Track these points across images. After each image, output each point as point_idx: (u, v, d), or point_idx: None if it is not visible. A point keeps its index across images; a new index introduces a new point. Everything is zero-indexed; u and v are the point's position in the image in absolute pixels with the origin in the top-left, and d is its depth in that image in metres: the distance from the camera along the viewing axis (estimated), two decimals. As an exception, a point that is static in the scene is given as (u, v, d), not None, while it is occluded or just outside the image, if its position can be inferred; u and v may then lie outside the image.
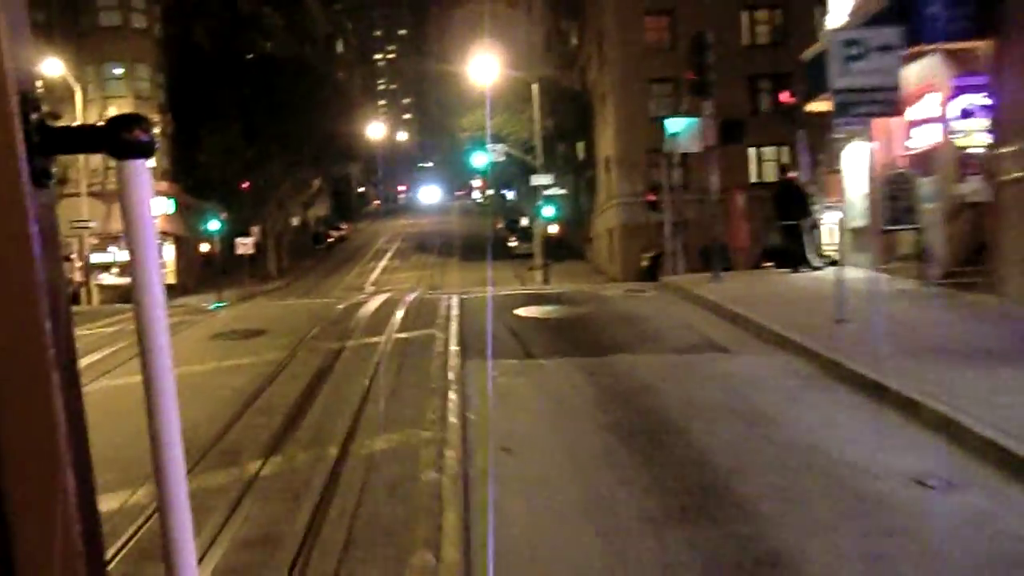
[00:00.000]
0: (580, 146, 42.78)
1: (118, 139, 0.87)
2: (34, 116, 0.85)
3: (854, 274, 11.73)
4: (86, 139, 0.92)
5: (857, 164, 14.72)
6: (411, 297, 16.25)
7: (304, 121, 39.21)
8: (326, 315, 13.98)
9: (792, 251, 15.56)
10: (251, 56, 39.05)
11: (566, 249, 42.33)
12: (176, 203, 34.57)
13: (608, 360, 9.57)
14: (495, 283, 35.91)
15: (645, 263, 32.36)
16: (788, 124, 20.42)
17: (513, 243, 46.85)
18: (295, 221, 43.96)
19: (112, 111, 27.88)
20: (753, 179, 34.90)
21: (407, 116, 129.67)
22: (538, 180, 33.78)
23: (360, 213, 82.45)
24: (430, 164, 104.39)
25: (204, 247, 37.58)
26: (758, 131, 34.17)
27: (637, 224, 34.03)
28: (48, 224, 0.86)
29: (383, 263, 45.85)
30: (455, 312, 12.81)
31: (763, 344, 10.04)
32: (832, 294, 10.38)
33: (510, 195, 63.69)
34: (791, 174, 16.17)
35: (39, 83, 0.95)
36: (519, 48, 55.07)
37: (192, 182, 36.34)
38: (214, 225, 33.67)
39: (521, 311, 13.16)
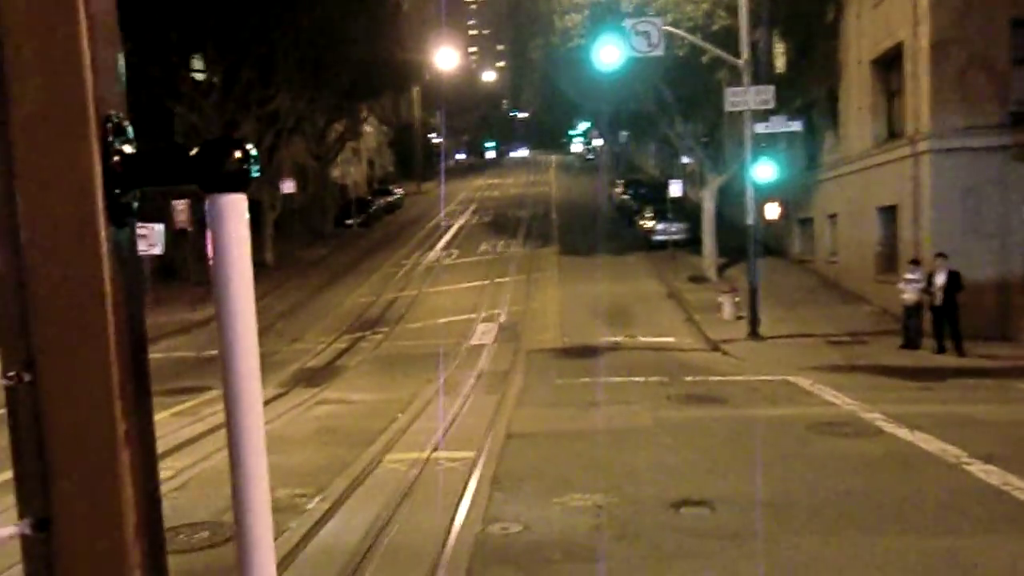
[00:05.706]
0: (779, 49, 23.61)
1: (212, 168, 0.71)
2: (117, 144, 0.73)
3: None
4: (174, 168, 0.75)
5: None
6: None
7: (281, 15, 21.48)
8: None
9: None
10: None
11: (737, 233, 22.18)
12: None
13: None
14: (645, 325, 17.65)
15: (908, 296, 13.42)
16: None
17: (649, 222, 27.84)
18: (289, 187, 26.47)
19: None
20: None
21: (500, 64, 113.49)
22: (742, 99, 15.04)
23: (434, 169, 64.92)
24: (525, 115, 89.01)
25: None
26: None
27: (984, 196, 14.81)
28: (128, 269, 0.75)
29: (432, 255, 27.87)
30: None
31: None
32: None
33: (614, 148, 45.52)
34: None
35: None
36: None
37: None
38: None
39: None
